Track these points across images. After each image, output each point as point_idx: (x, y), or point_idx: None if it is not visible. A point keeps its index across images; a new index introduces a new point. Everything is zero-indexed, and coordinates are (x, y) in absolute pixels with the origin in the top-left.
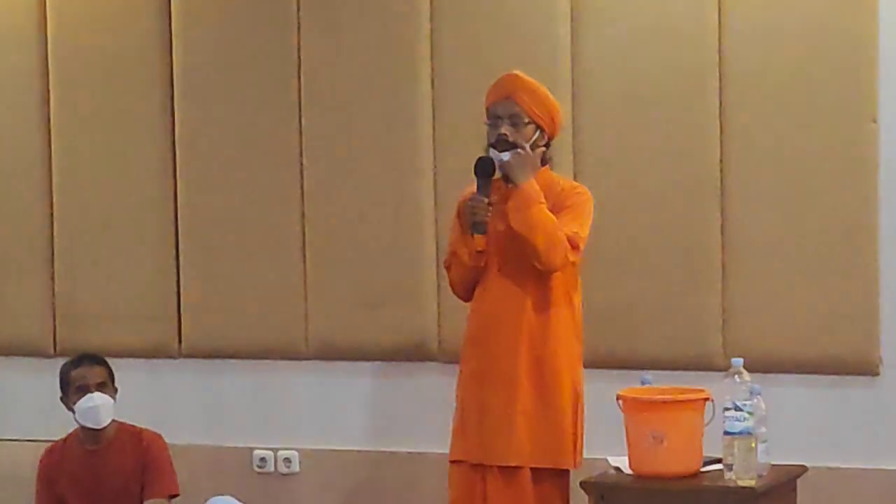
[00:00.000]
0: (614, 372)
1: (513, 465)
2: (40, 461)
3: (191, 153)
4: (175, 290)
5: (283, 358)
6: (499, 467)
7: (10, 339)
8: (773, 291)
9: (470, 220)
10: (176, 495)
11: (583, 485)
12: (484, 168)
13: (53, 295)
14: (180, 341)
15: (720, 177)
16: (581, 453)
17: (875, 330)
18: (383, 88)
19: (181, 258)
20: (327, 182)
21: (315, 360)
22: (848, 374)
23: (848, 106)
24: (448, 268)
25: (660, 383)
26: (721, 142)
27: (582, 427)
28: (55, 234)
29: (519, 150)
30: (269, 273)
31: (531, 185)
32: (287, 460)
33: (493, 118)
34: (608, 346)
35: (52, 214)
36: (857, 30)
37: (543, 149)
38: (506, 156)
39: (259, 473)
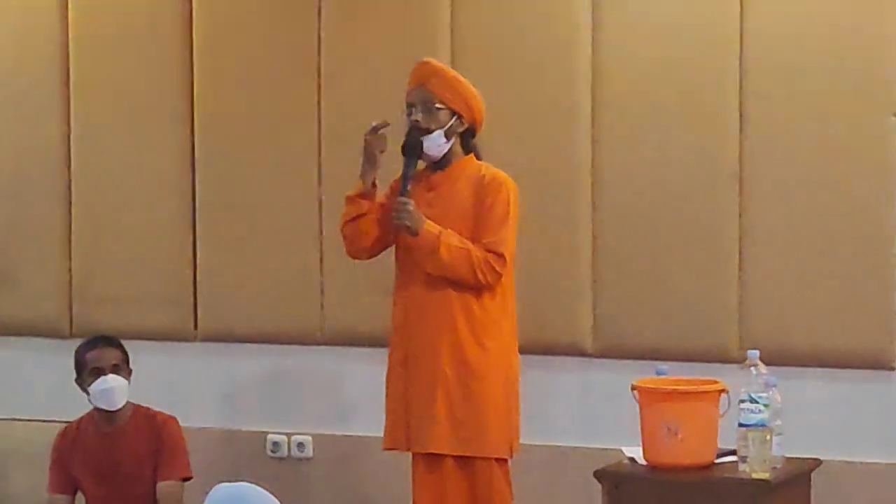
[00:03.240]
0: (630, 362)
1: (434, 452)
2: (54, 442)
3: (209, 136)
4: (192, 273)
5: (298, 343)
6: (423, 454)
7: (27, 320)
8: (789, 284)
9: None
10: (189, 478)
11: (597, 475)
12: (411, 146)
13: (70, 276)
14: (196, 324)
15: (739, 169)
16: (517, 441)
17: (891, 324)
18: (403, 77)
19: (198, 241)
20: (345, 168)
21: (330, 345)
22: (864, 368)
23: (867, 99)
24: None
25: (675, 374)
26: (740, 134)
27: (517, 415)
28: (73, 215)
29: (400, 201)
30: (286, 258)
31: (425, 229)
32: (301, 445)
33: (408, 106)
34: (624, 336)
35: (70, 195)
36: (877, 23)
37: (459, 133)
38: (425, 140)
39: (272, 458)
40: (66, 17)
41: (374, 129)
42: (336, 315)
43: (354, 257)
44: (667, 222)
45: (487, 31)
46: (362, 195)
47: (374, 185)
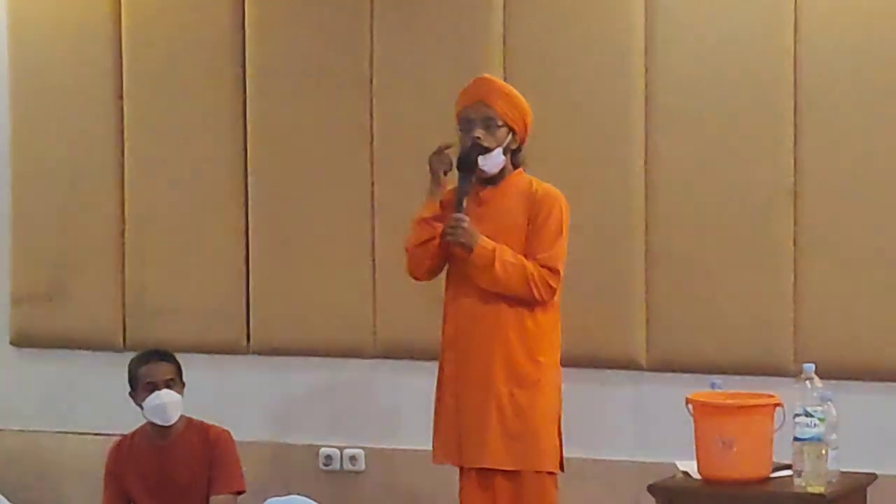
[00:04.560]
0: (684, 376)
1: (487, 467)
2: (108, 455)
3: (262, 149)
4: (244, 286)
5: (350, 356)
6: (475, 469)
7: (81, 333)
8: (845, 298)
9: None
10: (242, 492)
11: (651, 489)
12: (467, 162)
13: (124, 289)
14: (249, 338)
15: (793, 180)
16: (562, 454)
17: None
18: (456, 90)
19: (251, 254)
20: (397, 180)
21: (382, 358)
22: None
23: None
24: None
25: (729, 388)
26: (795, 145)
27: (561, 428)
28: (126, 228)
29: (456, 217)
30: (338, 271)
31: (480, 245)
32: (353, 458)
33: (465, 122)
34: (678, 349)
35: (123, 209)
36: None
37: (511, 152)
38: (481, 160)
39: (325, 471)
40: (120, 36)
41: (440, 150)
42: (388, 328)
43: (417, 278)
44: (721, 236)
45: (540, 44)
46: (435, 217)
47: (441, 205)
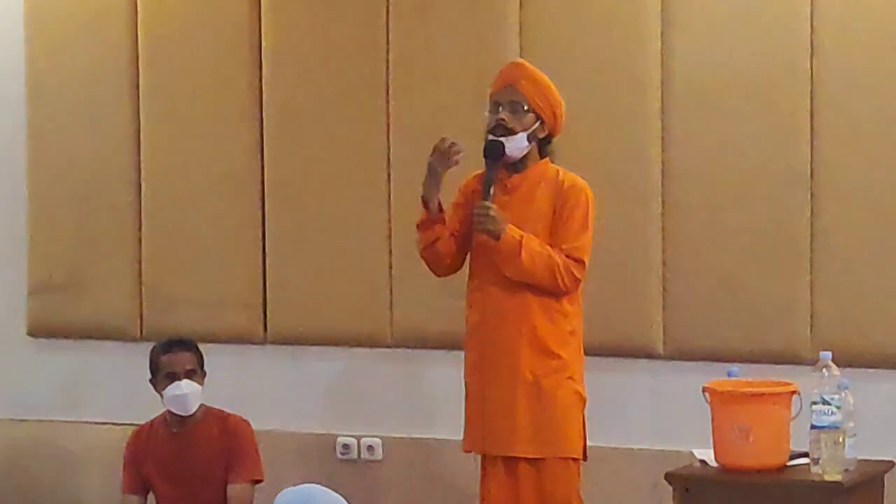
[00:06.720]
0: (701, 364)
1: (514, 454)
2: (127, 443)
3: (279, 140)
4: (261, 276)
5: (367, 345)
6: (501, 458)
7: (98, 323)
8: (861, 285)
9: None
10: (260, 481)
11: (668, 477)
12: (494, 150)
13: (140, 279)
14: (265, 327)
15: (810, 167)
16: (586, 441)
17: None
18: (472, 76)
19: (267, 244)
20: (414, 169)
21: (399, 347)
22: None
23: None
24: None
25: (746, 376)
26: (811, 131)
27: (584, 416)
28: (143, 218)
29: (483, 205)
30: (355, 261)
31: (507, 233)
32: (370, 447)
33: (494, 105)
34: (694, 338)
35: (140, 199)
36: None
37: (537, 140)
38: (504, 140)
39: (342, 460)
40: (136, 26)
41: (444, 151)
42: (405, 317)
43: (442, 276)
44: (737, 223)
45: (557, 30)
46: (434, 220)
47: (440, 207)
